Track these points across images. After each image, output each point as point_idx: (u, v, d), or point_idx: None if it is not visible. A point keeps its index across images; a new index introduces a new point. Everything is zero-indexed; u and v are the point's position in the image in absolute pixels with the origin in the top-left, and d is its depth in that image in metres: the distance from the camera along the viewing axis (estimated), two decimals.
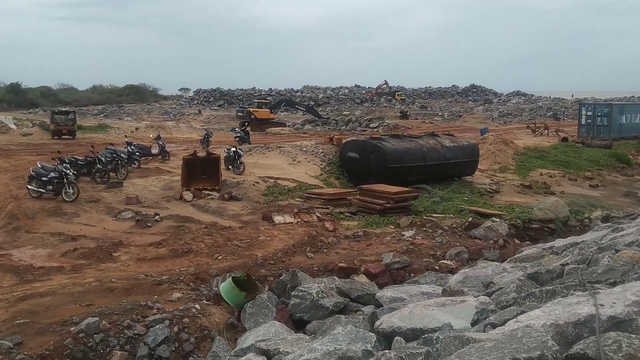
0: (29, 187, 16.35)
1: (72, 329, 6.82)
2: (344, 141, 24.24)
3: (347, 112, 66.31)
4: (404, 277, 9.78)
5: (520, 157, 27.96)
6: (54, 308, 7.80)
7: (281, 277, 9.12)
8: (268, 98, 75.96)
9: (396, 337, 4.72)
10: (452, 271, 9.21)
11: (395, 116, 62.30)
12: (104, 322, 6.98)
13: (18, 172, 21.15)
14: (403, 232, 12.71)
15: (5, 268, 10.02)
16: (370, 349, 4.53)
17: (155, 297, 8.15)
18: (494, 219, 13.60)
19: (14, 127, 48.77)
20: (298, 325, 7.57)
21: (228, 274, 8.95)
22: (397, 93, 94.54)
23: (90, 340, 6.64)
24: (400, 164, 19.93)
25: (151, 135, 34.85)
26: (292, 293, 8.17)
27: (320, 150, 24.10)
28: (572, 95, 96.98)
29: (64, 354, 6.40)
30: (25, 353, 6.30)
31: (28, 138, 41.40)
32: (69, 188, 15.86)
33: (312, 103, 79.12)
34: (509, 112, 72.10)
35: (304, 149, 24.51)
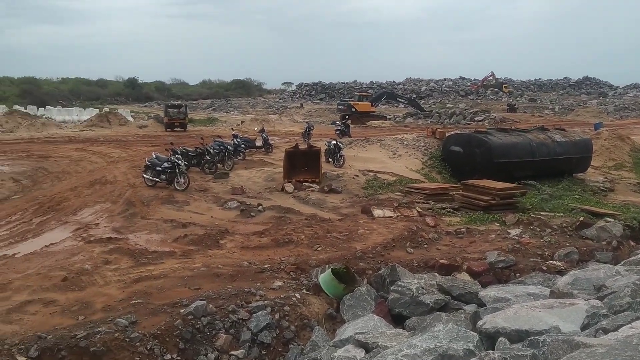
0: (144, 176, 17.44)
1: (181, 310, 7.18)
2: (447, 135, 23.73)
3: (450, 105, 64.93)
4: (509, 277, 9.43)
5: (637, 154, 26.04)
6: (165, 290, 8.26)
7: (380, 271, 9.09)
8: (369, 91, 75.96)
9: (500, 338, 4.59)
10: (561, 272, 8.76)
11: (502, 109, 60.20)
12: (210, 305, 7.30)
13: (135, 162, 22.62)
14: (509, 230, 12.25)
15: (123, 251, 10.73)
16: (472, 349, 4.44)
17: (258, 284, 8.41)
18: (607, 218, 12.75)
19: (131, 119, 52.37)
20: (397, 320, 7.53)
21: (327, 266, 9.07)
22: (504, 85, 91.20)
23: (198, 322, 6.97)
24: (507, 159, 19.20)
25: (255, 128, 35.94)
26: (391, 288, 8.13)
27: (422, 144, 23.74)
28: None
29: (174, 334, 6.76)
30: (140, 331, 6.69)
31: (144, 130, 44.17)
32: (181, 178, 16.75)
33: (415, 96, 78.23)
34: (626, 106, 67.20)
35: (405, 143, 24.26)
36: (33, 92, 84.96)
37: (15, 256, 10.73)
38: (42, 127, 44.13)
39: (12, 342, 6.38)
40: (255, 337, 7.10)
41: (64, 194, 16.96)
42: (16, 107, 57.48)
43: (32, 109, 57.61)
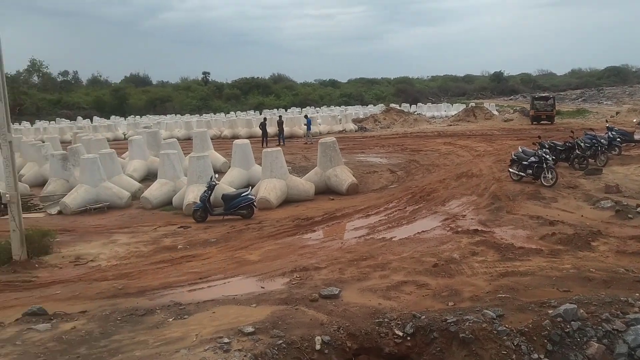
0: (510, 170, 17.47)
1: (549, 311, 6.95)
2: None
3: None
4: None
5: None
6: (532, 288, 8.11)
7: None
8: None
9: None
10: None
11: None
12: (581, 310, 6.88)
13: (500, 156, 22.86)
14: None
15: (489, 244, 10.95)
16: None
17: (637, 294, 7.57)
18: None
19: (496, 113, 53.08)
20: None
21: None
22: None
23: (568, 326, 6.65)
24: None
25: (634, 120, 32.42)
26: None
27: None
28: None
29: (542, 334, 6.59)
30: (506, 326, 6.73)
31: (508, 123, 44.19)
32: (548, 173, 16.23)
33: None
34: None
35: None
36: (406, 90, 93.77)
37: (393, 240, 12.04)
38: (414, 123, 48.39)
39: (391, 316, 7.18)
40: (633, 352, 6.42)
41: (433, 185, 18.23)
42: (392, 105, 64.26)
43: (405, 106, 63.72)
